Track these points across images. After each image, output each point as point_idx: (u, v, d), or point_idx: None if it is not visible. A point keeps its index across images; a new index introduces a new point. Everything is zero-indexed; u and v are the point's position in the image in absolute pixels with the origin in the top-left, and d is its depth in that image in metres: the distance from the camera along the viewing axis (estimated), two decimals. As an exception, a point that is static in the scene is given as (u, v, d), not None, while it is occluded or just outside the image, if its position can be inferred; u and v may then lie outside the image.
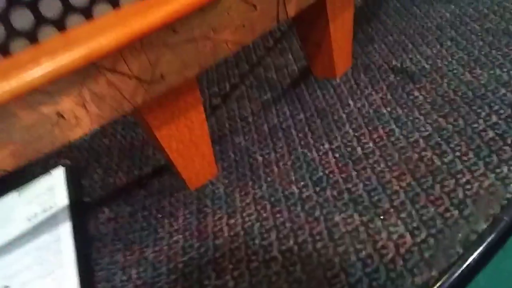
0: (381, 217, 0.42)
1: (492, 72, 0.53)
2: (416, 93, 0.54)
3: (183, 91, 0.45)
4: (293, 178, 0.49)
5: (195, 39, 0.41)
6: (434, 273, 0.36)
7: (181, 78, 0.42)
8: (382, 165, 0.47)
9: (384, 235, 0.40)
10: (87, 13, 0.36)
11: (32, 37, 0.34)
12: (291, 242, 0.43)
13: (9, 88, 0.33)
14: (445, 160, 0.45)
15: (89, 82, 0.36)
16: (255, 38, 0.45)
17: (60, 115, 0.37)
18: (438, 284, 0.35)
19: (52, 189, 0.55)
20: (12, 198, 0.55)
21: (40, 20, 0.34)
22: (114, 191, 0.56)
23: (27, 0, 0.33)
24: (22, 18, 0.34)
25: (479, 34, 0.61)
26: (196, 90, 0.47)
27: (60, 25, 0.35)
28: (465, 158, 0.44)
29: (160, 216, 0.51)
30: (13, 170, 0.38)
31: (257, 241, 0.44)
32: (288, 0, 0.45)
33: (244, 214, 0.47)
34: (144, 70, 0.39)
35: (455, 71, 0.56)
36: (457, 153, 0.45)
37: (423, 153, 0.46)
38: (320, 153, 0.51)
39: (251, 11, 0.43)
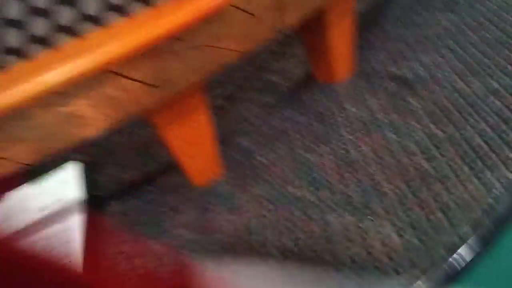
0: (370, 217, 0.45)
1: (482, 80, 0.56)
2: (411, 100, 0.57)
3: (189, 94, 0.48)
4: (290, 178, 0.52)
5: (200, 47, 0.44)
6: (416, 271, 0.39)
7: (187, 83, 0.45)
8: (374, 168, 0.50)
9: (372, 234, 0.43)
10: (100, 22, 0.39)
11: (50, 43, 0.38)
12: (286, 238, 0.46)
13: (28, 91, 0.36)
14: (434, 164, 0.47)
15: (101, 86, 0.40)
16: (256, 47, 0.48)
17: (74, 115, 0.40)
18: (420, 282, 0.38)
19: (66, 183, 0.58)
20: (28, 190, 0.59)
21: (57, 28, 0.38)
22: (124, 186, 0.60)
23: (44, 9, 0.37)
24: (40, 26, 0.37)
25: (474, 43, 0.63)
26: (201, 93, 0.50)
27: (76, 33, 0.38)
28: (452, 163, 0.47)
29: (165, 210, 0.54)
30: (30, 164, 0.41)
31: (254, 237, 0.47)
32: (286, 12, 0.48)
33: (243, 211, 0.50)
34: (152, 75, 0.42)
35: (449, 79, 0.58)
36: (445, 158, 0.48)
37: (414, 158, 0.49)
38: (317, 155, 0.54)
39: (252, 22, 0.46)
